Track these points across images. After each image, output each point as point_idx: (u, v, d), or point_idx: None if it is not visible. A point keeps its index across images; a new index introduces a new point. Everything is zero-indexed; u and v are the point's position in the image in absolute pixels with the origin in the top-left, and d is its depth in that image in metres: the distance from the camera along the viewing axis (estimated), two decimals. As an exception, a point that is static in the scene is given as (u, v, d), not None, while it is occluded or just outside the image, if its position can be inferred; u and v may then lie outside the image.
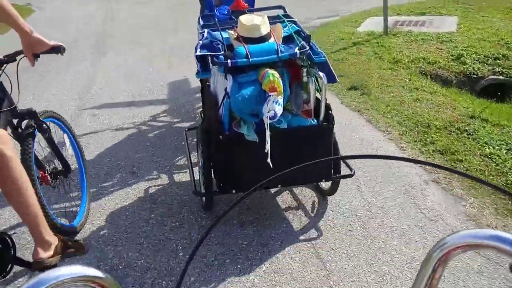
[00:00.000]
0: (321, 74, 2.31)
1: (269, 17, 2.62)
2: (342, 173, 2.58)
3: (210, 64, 2.40)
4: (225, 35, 2.48)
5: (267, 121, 2.11)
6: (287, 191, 2.93)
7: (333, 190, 2.69)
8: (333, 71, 2.49)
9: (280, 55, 2.23)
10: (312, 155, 2.27)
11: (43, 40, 2.02)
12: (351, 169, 2.57)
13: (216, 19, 2.74)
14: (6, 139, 1.94)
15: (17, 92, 2.36)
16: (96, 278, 0.66)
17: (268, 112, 2.08)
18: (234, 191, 2.38)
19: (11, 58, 2.15)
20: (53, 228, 2.17)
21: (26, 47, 2.00)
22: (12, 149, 1.91)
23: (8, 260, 1.96)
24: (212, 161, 2.41)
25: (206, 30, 2.54)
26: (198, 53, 2.32)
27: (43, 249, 2.03)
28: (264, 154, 2.17)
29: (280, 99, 2.13)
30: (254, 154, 2.21)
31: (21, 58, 2.18)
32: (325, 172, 2.44)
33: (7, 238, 1.98)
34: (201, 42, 2.40)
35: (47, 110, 2.46)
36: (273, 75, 2.10)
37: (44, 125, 2.33)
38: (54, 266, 2.02)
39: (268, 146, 2.14)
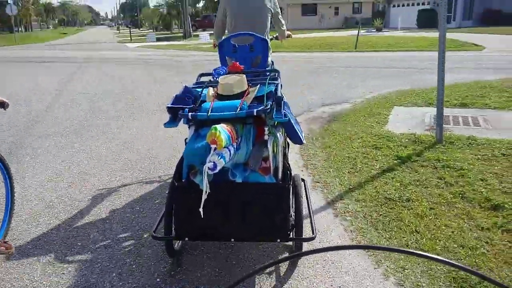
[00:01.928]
0: (278, 134, 2.37)
1: (257, 79, 2.83)
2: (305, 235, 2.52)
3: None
4: (206, 91, 2.61)
5: (205, 171, 2.10)
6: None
7: (297, 250, 2.54)
8: (299, 132, 2.52)
9: (237, 112, 2.24)
10: (265, 213, 2.31)
11: None
12: (313, 232, 2.46)
13: (212, 77, 2.88)
14: None
15: None
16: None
17: (208, 163, 2.08)
18: (187, 239, 2.43)
19: None
20: None
21: None
22: None
23: None
24: (172, 207, 2.42)
25: (184, 85, 2.66)
26: (168, 104, 2.47)
27: None
28: (219, 204, 2.24)
29: (225, 153, 2.12)
30: (205, 203, 2.18)
31: None
32: (279, 231, 2.36)
33: None
34: (175, 95, 2.56)
35: None
36: (215, 129, 2.09)
37: None
38: None
39: (204, 196, 2.15)
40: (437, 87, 4.73)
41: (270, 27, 3.96)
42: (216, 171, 2.10)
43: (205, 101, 2.48)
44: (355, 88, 8.58)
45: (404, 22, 32.85)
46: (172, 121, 2.48)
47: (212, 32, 4.36)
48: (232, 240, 2.46)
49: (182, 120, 2.45)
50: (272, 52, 3.82)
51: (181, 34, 37.02)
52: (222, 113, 2.26)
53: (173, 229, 2.43)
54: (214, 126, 2.11)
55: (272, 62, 3.78)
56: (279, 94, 2.55)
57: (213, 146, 2.09)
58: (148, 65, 14.62)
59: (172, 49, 23.04)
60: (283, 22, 4.08)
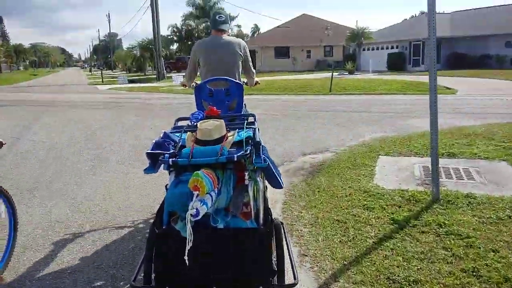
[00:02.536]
0: (258, 178, 2.35)
1: (235, 123, 2.82)
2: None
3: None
4: (185, 136, 2.57)
5: (188, 218, 2.05)
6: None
7: None
8: (278, 176, 2.46)
9: (218, 157, 2.23)
10: (247, 258, 2.27)
11: None
12: (295, 277, 2.32)
13: (190, 121, 2.82)
14: None
15: None
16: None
17: (191, 209, 2.04)
18: (167, 287, 2.33)
19: None
20: None
21: None
22: None
23: None
24: (152, 254, 2.32)
25: (163, 131, 2.61)
26: (148, 150, 2.41)
27: None
28: (199, 251, 2.16)
29: (207, 199, 2.10)
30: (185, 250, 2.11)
31: None
32: (261, 277, 2.29)
33: None
34: (154, 140, 2.50)
35: None
36: (197, 175, 2.08)
37: None
38: None
39: (188, 244, 2.08)
40: (430, 140, 4.34)
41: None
42: (199, 217, 2.07)
43: (185, 146, 2.45)
44: (335, 134, 8.21)
45: (375, 65, 33.61)
46: (152, 167, 2.44)
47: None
48: (214, 287, 2.39)
49: (162, 166, 2.41)
50: (246, 94, 3.76)
51: (155, 76, 36.75)
52: (203, 159, 2.24)
53: (152, 277, 2.33)
54: (196, 172, 2.10)
55: (245, 105, 3.80)
56: (257, 139, 2.53)
57: (195, 193, 2.06)
58: (118, 109, 14.03)
59: (144, 92, 22.57)
60: (253, 71, 4.25)
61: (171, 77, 31.93)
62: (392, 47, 35.36)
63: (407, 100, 13.88)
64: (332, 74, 19.53)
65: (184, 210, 2.13)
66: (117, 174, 5.78)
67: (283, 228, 2.64)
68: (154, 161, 2.42)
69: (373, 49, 38.05)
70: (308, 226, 3.80)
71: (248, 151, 2.30)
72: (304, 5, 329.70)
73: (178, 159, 2.25)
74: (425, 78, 22.02)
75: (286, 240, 2.73)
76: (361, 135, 8.01)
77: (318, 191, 4.74)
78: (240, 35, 57.73)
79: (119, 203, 4.65)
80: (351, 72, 31.12)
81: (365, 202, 4.28)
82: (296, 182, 5.23)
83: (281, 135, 8.22)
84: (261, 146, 2.41)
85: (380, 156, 6.23)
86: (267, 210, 2.44)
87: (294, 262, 2.54)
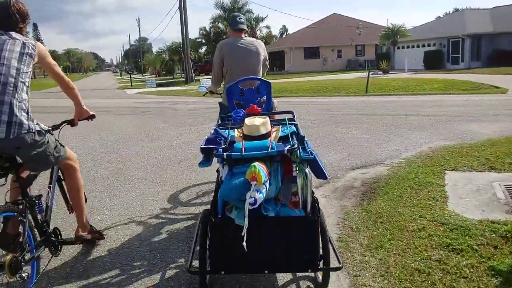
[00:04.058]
0: (307, 170, 2.43)
1: (276, 120, 3.15)
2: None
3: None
4: (232, 133, 2.84)
5: (247, 207, 2.19)
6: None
7: (325, 283, 2.62)
8: (323, 168, 2.55)
9: (269, 151, 2.40)
10: (296, 244, 2.42)
11: (87, 110, 3.33)
12: (339, 262, 2.53)
13: (232, 120, 3.12)
14: (75, 158, 3.22)
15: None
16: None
17: (249, 198, 2.18)
18: (223, 272, 2.50)
19: (55, 127, 3.18)
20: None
21: (77, 114, 3.33)
22: (78, 165, 3.26)
23: (60, 243, 3.09)
24: (206, 242, 2.49)
25: (214, 128, 2.88)
26: (202, 146, 2.58)
27: (82, 229, 3.35)
28: (253, 238, 2.26)
29: (263, 189, 2.23)
30: (242, 237, 2.24)
31: (63, 126, 3.26)
32: (310, 262, 2.47)
33: (57, 230, 3.09)
34: (206, 137, 2.69)
35: None
36: (254, 167, 2.20)
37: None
38: (88, 240, 3.41)
39: (245, 230, 2.22)
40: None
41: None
42: (256, 206, 2.21)
43: (234, 142, 2.68)
44: (385, 143, 7.17)
45: (410, 64, 32.07)
46: (206, 161, 2.59)
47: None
48: (266, 272, 2.62)
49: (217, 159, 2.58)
50: (277, 96, 3.67)
51: (183, 79, 36.35)
52: (255, 152, 2.40)
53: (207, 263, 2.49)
54: (252, 164, 2.24)
55: (273, 102, 4.00)
56: (301, 133, 2.74)
57: (253, 183, 2.19)
58: (144, 115, 13.39)
59: (172, 95, 22.01)
60: (267, 66, 4.43)
61: (199, 80, 31.40)
62: (429, 45, 33.67)
63: (456, 101, 12.63)
64: (369, 74, 18.33)
65: (239, 200, 2.30)
66: (135, 196, 4.97)
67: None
68: (207, 156, 2.57)
69: (407, 47, 36.40)
70: (379, 279, 2.84)
71: (296, 145, 2.45)
72: (330, 4, 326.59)
73: (232, 153, 2.41)
74: (467, 77, 20.68)
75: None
76: (416, 143, 6.94)
77: (381, 222, 3.77)
78: (269, 36, 56.83)
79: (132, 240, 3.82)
80: (385, 72, 29.72)
81: (448, 240, 3.29)
82: (349, 206, 4.27)
83: (321, 144, 7.25)
84: (305, 140, 2.59)
85: (446, 171, 5.19)
86: (314, 199, 2.51)
87: (335, 248, 2.71)
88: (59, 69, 3.06)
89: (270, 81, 3.88)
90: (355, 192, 4.75)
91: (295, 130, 2.84)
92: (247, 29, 4.31)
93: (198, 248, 2.56)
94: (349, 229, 3.71)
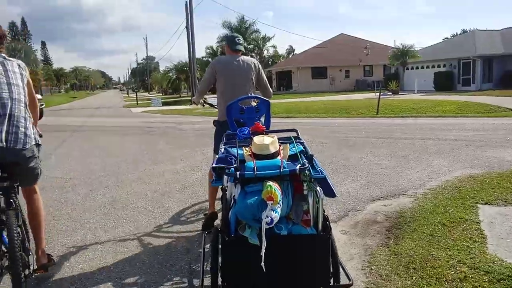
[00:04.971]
0: (318, 188, 2.48)
1: (282, 138, 3.11)
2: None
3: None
4: (240, 151, 2.82)
5: (264, 226, 2.21)
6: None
7: None
8: (332, 187, 2.58)
9: (281, 170, 2.42)
10: (308, 262, 2.47)
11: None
12: (349, 279, 2.58)
13: (238, 138, 3.12)
14: (37, 189, 3.26)
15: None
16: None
17: (266, 218, 2.21)
18: None
19: None
20: None
21: None
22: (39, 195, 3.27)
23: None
24: (218, 261, 2.51)
25: (224, 147, 2.93)
26: (213, 165, 2.65)
27: (44, 258, 3.23)
28: (266, 256, 2.26)
29: (278, 208, 2.27)
30: (255, 256, 2.27)
31: None
32: (321, 279, 2.50)
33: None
34: (217, 156, 2.80)
35: None
36: (270, 186, 2.27)
37: None
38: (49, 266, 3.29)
39: (263, 250, 2.24)
40: None
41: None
42: (272, 225, 2.25)
43: (244, 160, 2.68)
44: (405, 170, 6.64)
45: (420, 85, 31.63)
46: (218, 180, 2.73)
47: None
48: None
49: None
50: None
51: (189, 98, 36.17)
52: (268, 172, 2.42)
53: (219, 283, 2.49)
54: (268, 183, 2.30)
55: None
56: (309, 152, 2.79)
57: (269, 202, 2.23)
58: (148, 136, 12.97)
59: (177, 115, 21.67)
60: (270, 90, 4.55)
61: (205, 98, 31.08)
62: (439, 66, 33.26)
63: (474, 124, 12.09)
64: (380, 95, 17.88)
65: (253, 219, 2.34)
66: (133, 229, 4.47)
67: None
68: (219, 174, 2.66)
69: (417, 68, 36.03)
70: None
71: (306, 164, 2.49)
72: (335, 26, 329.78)
73: (245, 173, 2.42)
74: (479, 98, 20.13)
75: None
76: (439, 171, 6.41)
77: (414, 269, 3.23)
78: (275, 55, 56.84)
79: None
80: (395, 93, 29.27)
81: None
82: (374, 247, 3.74)
83: (336, 170, 6.74)
84: (313, 159, 2.63)
85: (479, 205, 4.65)
86: (325, 217, 2.54)
87: (344, 265, 2.73)
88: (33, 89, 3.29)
89: (277, 101, 3.82)
90: (378, 228, 4.22)
91: (302, 149, 2.92)
92: (244, 51, 4.44)
93: (209, 268, 2.58)
94: (378, 276, 3.17)
